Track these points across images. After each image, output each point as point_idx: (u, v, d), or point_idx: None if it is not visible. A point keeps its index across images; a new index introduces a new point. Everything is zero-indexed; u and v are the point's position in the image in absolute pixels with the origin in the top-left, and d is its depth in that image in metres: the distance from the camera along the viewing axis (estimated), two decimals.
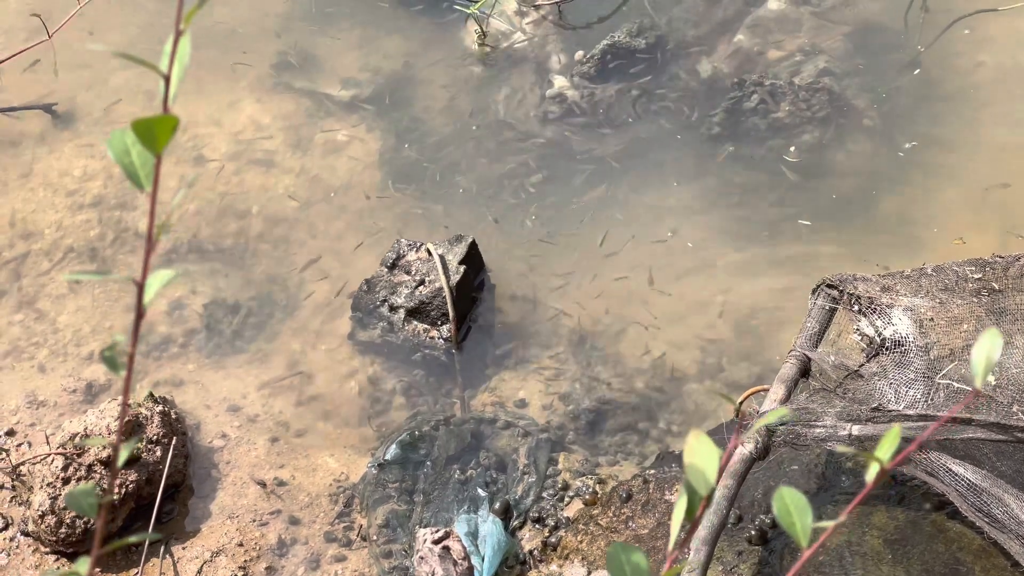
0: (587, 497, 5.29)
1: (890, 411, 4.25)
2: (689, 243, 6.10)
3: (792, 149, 6.24)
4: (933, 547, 4.80)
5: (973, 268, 4.60)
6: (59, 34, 6.51)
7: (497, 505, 5.33)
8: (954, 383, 4.31)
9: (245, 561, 5.22)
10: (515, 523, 5.34)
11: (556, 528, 5.32)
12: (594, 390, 5.67)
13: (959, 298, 4.53)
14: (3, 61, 6.45)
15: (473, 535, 5.24)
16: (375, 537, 5.36)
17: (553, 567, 5.22)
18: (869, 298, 4.59)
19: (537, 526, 5.34)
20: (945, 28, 6.67)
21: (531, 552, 5.26)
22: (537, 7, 6.80)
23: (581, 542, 5.22)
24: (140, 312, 1.55)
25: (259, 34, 6.98)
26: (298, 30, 7.05)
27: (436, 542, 3.05)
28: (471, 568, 3.02)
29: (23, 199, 6.42)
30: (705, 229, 6.14)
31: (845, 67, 6.54)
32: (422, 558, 3.07)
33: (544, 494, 5.41)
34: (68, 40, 6.74)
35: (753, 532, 4.96)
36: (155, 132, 1.47)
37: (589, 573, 5.07)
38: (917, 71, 6.51)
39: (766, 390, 5.04)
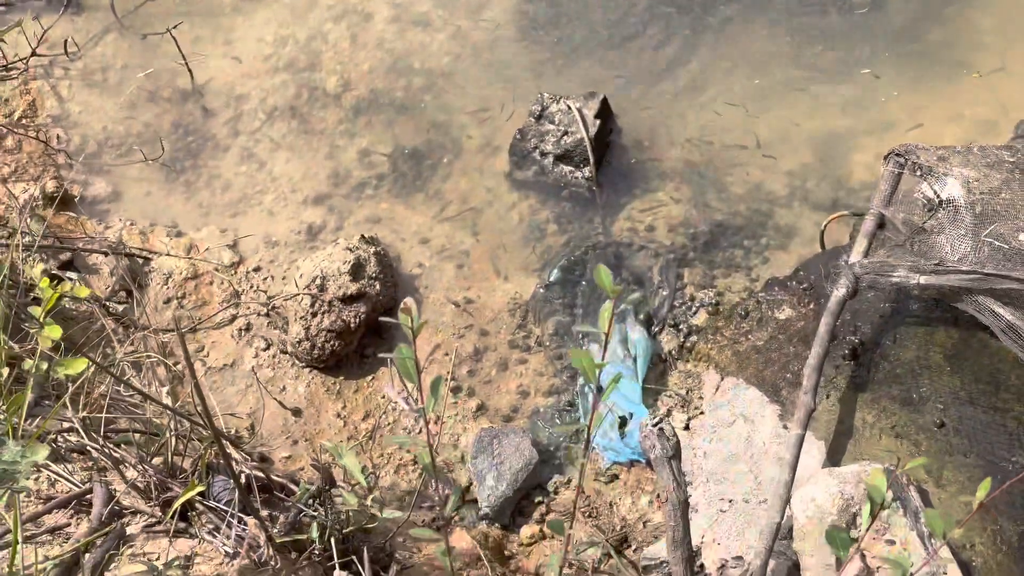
0: (710, 308, 5.73)
1: (947, 266, 5.07)
2: (778, 83, 6.52)
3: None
4: (980, 360, 5.31)
5: (1008, 153, 5.35)
6: None
7: (641, 316, 5.78)
8: (995, 242, 5.05)
9: (452, 367, 5.76)
10: (656, 329, 5.79)
11: (689, 334, 5.74)
12: (707, 214, 6.10)
13: (998, 172, 5.25)
14: None
15: (624, 341, 5.69)
16: (547, 343, 5.85)
17: (689, 366, 5.65)
18: (928, 166, 5.28)
19: (673, 331, 5.76)
20: None
21: (670, 352, 5.71)
22: None
23: (711, 350, 5.67)
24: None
25: None
26: None
27: (655, 425, 3.99)
28: (679, 442, 3.91)
29: (228, 65, 7.03)
30: (789, 71, 6.55)
31: None
32: (645, 436, 4.03)
33: (676, 303, 5.86)
34: None
35: (846, 350, 5.46)
36: None
37: (722, 378, 5.53)
38: None
39: (844, 215, 5.76)
